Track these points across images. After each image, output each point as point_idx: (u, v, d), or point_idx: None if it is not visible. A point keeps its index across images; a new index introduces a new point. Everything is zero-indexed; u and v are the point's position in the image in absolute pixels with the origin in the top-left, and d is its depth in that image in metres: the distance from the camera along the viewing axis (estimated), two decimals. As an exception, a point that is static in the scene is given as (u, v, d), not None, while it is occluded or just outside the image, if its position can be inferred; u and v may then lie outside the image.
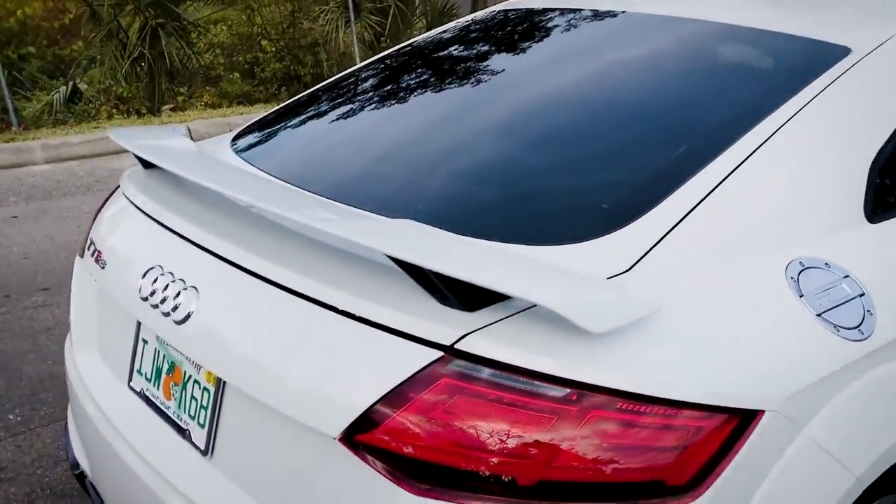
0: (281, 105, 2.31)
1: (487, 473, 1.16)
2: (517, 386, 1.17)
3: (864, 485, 1.33)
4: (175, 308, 1.50)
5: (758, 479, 1.21)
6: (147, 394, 1.66)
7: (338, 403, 1.24)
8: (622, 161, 1.61)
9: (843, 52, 1.74)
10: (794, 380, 1.26)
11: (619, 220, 1.37)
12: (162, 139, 1.97)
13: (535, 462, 1.15)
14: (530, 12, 2.34)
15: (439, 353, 1.19)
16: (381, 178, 1.76)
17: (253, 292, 1.42)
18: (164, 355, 1.63)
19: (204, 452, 1.50)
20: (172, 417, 1.59)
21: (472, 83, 2.08)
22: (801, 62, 1.75)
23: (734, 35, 1.94)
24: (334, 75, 2.43)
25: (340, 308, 1.29)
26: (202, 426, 1.51)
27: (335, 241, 1.41)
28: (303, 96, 2.32)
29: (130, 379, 1.72)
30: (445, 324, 1.20)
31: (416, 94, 2.11)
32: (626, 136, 1.68)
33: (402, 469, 1.20)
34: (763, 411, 1.21)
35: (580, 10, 2.22)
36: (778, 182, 1.49)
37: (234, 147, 2.02)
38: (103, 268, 1.78)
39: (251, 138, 2.08)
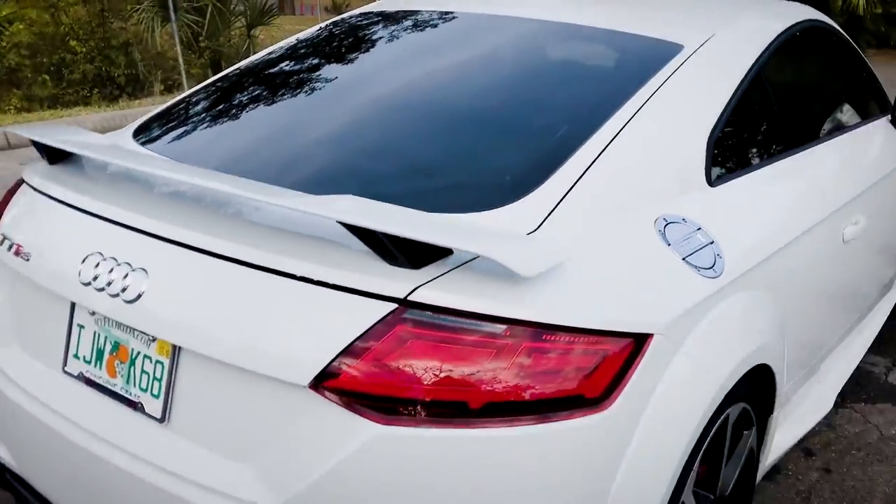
0: (176, 98, 2.41)
1: (443, 401, 1.39)
2: (463, 327, 1.40)
3: (725, 390, 1.68)
4: (124, 289, 1.61)
5: (652, 387, 1.51)
6: (87, 375, 1.75)
7: (306, 356, 1.42)
8: (519, 144, 1.88)
9: (677, 48, 2.11)
10: (672, 309, 1.58)
11: (523, 191, 1.64)
12: (69, 134, 2.03)
13: (481, 388, 1.39)
14: (403, 13, 2.57)
15: (394, 305, 1.40)
16: (295, 162, 1.94)
17: (206, 268, 1.56)
18: (105, 337, 1.72)
19: (161, 420, 1.62)
20: (120, 393, 1.69)
21: (364, 79, 2.29)
22: (647, 57, 2.10)
23: (591, 34, 2.28)
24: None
25: (299, 275, 1.47)
26: (156, 396, 1.63)
27: (276, 219, 1.58)
28: (194, 91, 2.43)
29: (65, 364, 1.79)
30: (396, 280, 1.42)
31: (317, 86, 2.28)
32: (516, 124, 1.96)
33: (369, 405, 1.40)
34: (652, 335, 1.51)
35: (451, 12, 2.49)
36: (640, 156, 1.81)
37: (139, 140, 2.12)
38: (27, 260, 1.83)
39: (155, 131, 2.18)
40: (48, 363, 1.84)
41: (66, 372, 1.79)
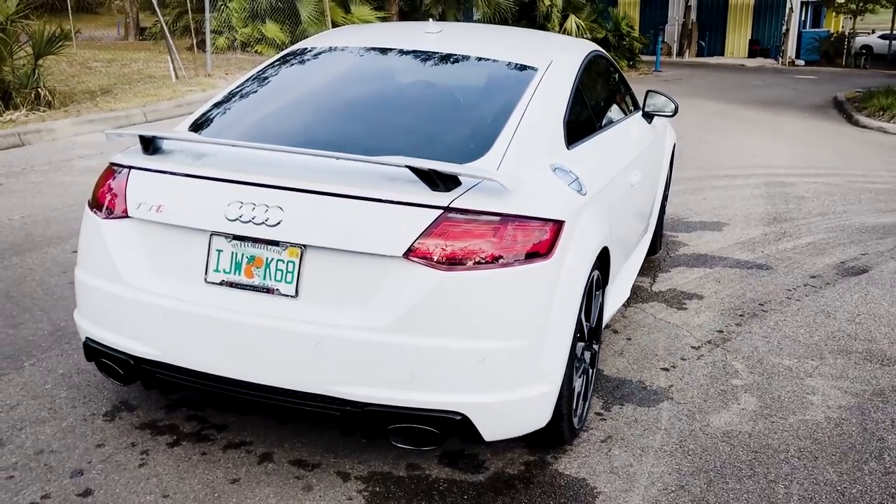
0: (208, 105, 3.45)
1: (471, 257, 2.64)
2: (477, 219, 2.66)
3: (594, 258, 3.09)
4: (266, 220, 2.69)
5: (566, 249, 2.86)
6: (228, 280, 2.78)
7: (400, 238, 2.61)
8: (472, 126, 3.20)
9: (534, 70, 3.51)
10: (570, 209, 2.95)
11: (483, 151, 2.94)
12: (161, 131, 3.05)
13: (490, 249, 2.65)
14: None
15: (440, 211, 2.64)
16: (344, 137, 3.12)
17: (321, 201, 2.69)
18: (241, 254, 2.78)
19: (294, 296, 2.71)
20: (258, 286, 2.75)
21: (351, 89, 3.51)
22: (520, 73, 3.48)
23: (481, 60, 3.63)
24: None
25: (384, 199, 2.65)
26: (289, 283, 2.72)
27: (346, 172, 2.75)
28: (235, 87, 3.53)
29: (206, 276, 2.81)
30: (440, 197, 2.65)
31: (328, 89, 3.54)
32: (468, 113, 3.30)
33: (434, 263, 2.61)
34: (565, 221, 2.86)
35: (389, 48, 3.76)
36: (534, 131, 3.17)
37: (199, 131, 3.18)
38: (170, 213, 2.83)
39: (207, 124, 3.25)
40: (187, 279, 2.84)
41: (207, 282, 2.81)
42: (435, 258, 2.62)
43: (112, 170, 3.08)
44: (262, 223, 2.71)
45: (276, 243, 2.75)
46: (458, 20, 22.60)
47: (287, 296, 2.74)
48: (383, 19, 19.97)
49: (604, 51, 4.50)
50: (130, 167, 3.02)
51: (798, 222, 7.01)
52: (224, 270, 2.81)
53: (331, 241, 2.68)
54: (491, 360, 2.67)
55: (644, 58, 27.02)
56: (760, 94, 19.22)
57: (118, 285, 2.94)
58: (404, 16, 21.89)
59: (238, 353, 2.77)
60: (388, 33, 4.43)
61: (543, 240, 2.76)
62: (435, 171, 2.63)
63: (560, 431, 3.07)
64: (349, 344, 2.66)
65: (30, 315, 4.33)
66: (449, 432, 2.73)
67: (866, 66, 31.30)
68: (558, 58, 3.69)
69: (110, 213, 2.98)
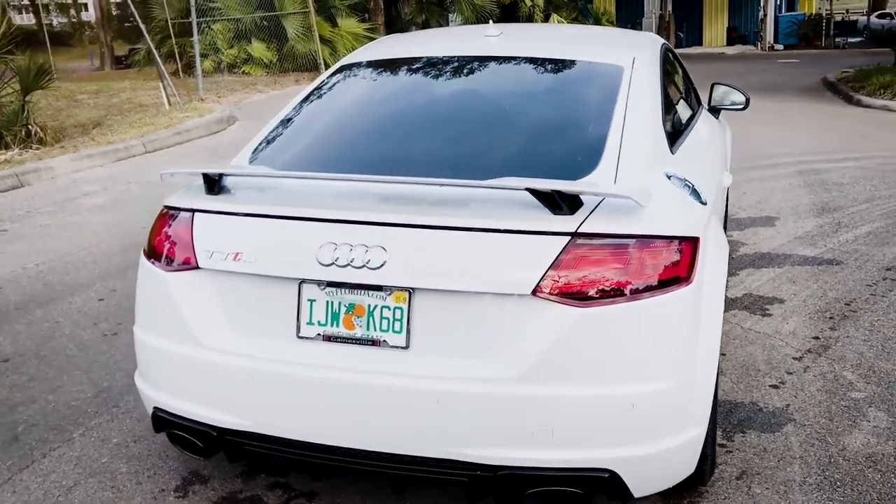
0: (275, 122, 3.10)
1: (608, 288, 2.27)
2: (613, 243, 2.30)
3: (726, 267, 2.73)
4: (367, 262, 2.32)
5: (703, 267, 2.49)
6: (325, 334, 2.41)
7: (527, 275, 2.25)
8: (576, 139, 2.83)
9: (620, 68, 3.15)
10: (701, 223, 2.59)
11: (594, 164, 2.58)
12: (219, 167, 2.68)
13: (626, 278, 2.29)
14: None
15: (569, 237, 2.28)
16: (436, 161, 2.79)
17: (426, 236, 2.32)
18: (338, 302, 2.41)
19: (405, 348, 2.35)
20: (361, 338, 2.39)
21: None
22: (607, 74, 3.12)
23: (557, 63, 3.27)
24: None
25: (503, 228, 2.29)
26: (398, 332, 2.35)
27: (453, 199, 2.39)
28: (291, 111, 3.16)
29: (299, 331, 2.44)
30: (566, 222, 2.29)
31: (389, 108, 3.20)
32: (566, 127, 2.93)
33: (568, 298, 2.25)
34: (699, 237, 2.50)
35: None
36: (640, 137, 2.81)
37: (256, 163, 2.83)
38: (251, 262, 2.45)
39: (274, 154, 2.89)
40: (276, 336, 2.47)
41: (300, 337, 2.44)
42: (568, 293, 2.26)
43: (168, 214, 2.71)
44: (364, 266, 2.34)
45: (378, 288, 2.38)
46: (440, 25, 22.35)
47: (397, 347, 2.37)
48: (371, 30, 19.63)
49: (666, 42, 4.16)
50: (193, 210, 2.64)
51: (848, 211, 6.69)
52: (319, 322, 2.44)
53: (443, 282, 2.32)
54: (641, 405, 2.31)
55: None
56: (751, 81, 18.94)
57: (192, 347, 2.56)
58: (388, 25, 21.58)
59: (343, 417, 2.41)
60: (444, 41, 4.05)
61: (682, 261, 2.41)
62: (558, 192, 2.28)
63: (702, 474, 2.71)
64: (475, 399, 2.30)
65: (67, 376, 3.94)
66: (594, 491, 2.37)
67: (845, 46, 31.27)
68: (639, 54, 3.34)
69: (173, 264, 2.61)
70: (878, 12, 35.18)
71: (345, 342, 2.41)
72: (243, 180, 2.70)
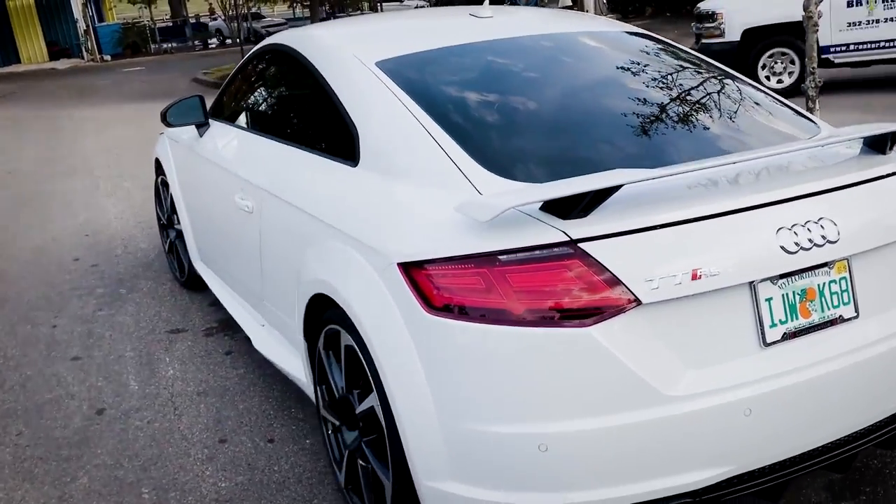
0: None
1: None
2: None
3: None
4: (814, 240, 2.07)
5: None
6: (789, 331, 2.06)
7: None
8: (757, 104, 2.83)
9: (658, 40, 3.23)
10: None
11: (815, 128, 2.69)
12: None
13: None
14: None
15: None
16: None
17: (845, 199, 2.18)
18: (791, 292, 2.07)
19: (856, 316, 2.17)
20: (819, 322, 2.11)
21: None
22: (658, 44, 3.16)
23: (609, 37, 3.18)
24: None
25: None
26: (846, 303, 2.15)
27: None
28: None
29: (764, 338, 2.03)
30: None
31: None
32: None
33: None
34: None
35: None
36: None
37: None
38: (713, 275, 1.94)
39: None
40: (735, 355, 2.01)
41: (767, 344, 2.04)
42: None
43: (553, 257, 1.93)
44: (812, 246, 2.09)
45: (823, 265, 2.14)
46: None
47: (850, 319, 2.17)
48: None
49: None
50: (576, 241, 1.92)
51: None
52: (780, 321, 2.07)
53: (874, 240, 2.22)
54: None
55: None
56: (126, 91, 18.93)
57: (650, 408, 1.91)
58: None
59: (819, 412, 2.12)
60: (438, 29, 3.43)
61: None
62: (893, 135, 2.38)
63: None
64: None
65: None
66: None
67: (172, 51, 32.71)
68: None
69: (588, 315, 1.89)
70: (213, 15, 37.65)
71: (805, 333, 2.11)
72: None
